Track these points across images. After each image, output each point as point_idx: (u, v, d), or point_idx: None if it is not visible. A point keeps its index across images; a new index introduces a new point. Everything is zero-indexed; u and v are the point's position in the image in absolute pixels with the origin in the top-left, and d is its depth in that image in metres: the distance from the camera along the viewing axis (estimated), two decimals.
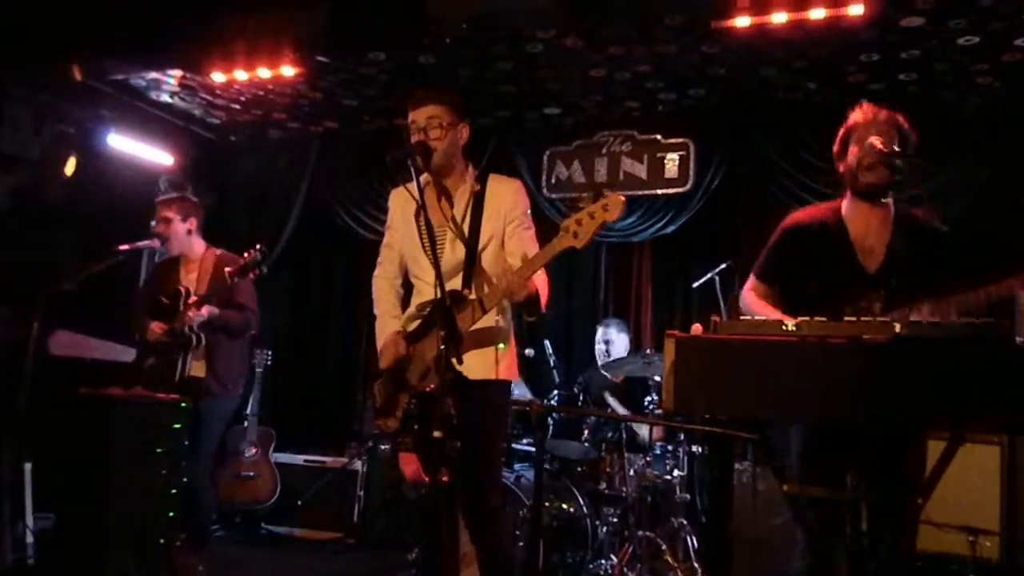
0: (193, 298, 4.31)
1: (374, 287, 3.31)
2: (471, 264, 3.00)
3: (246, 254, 4.27)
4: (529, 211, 3.14)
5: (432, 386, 2.65)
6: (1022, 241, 4.79)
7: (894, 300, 2.77)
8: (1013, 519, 4.09)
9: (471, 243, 3.02)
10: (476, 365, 2.82)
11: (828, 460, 2.79)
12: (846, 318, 2.23)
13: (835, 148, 3.00)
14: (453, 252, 3.02)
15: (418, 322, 3.09)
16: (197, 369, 4.37)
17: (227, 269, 4.28)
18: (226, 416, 4.59)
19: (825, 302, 2.83)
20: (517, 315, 3.23)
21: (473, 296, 2.88)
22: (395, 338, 3.07)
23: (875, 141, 2.80)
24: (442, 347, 2.48)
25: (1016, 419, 2.06)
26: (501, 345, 3.06)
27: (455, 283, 2.97)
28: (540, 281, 2.94)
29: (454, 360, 2.53)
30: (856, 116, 2.94)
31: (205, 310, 4.28)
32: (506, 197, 3.09)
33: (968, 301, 2.63)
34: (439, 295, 2.64)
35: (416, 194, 2.79)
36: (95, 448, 3.82)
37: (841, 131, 2.98)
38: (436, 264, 2.70)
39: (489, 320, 2.94)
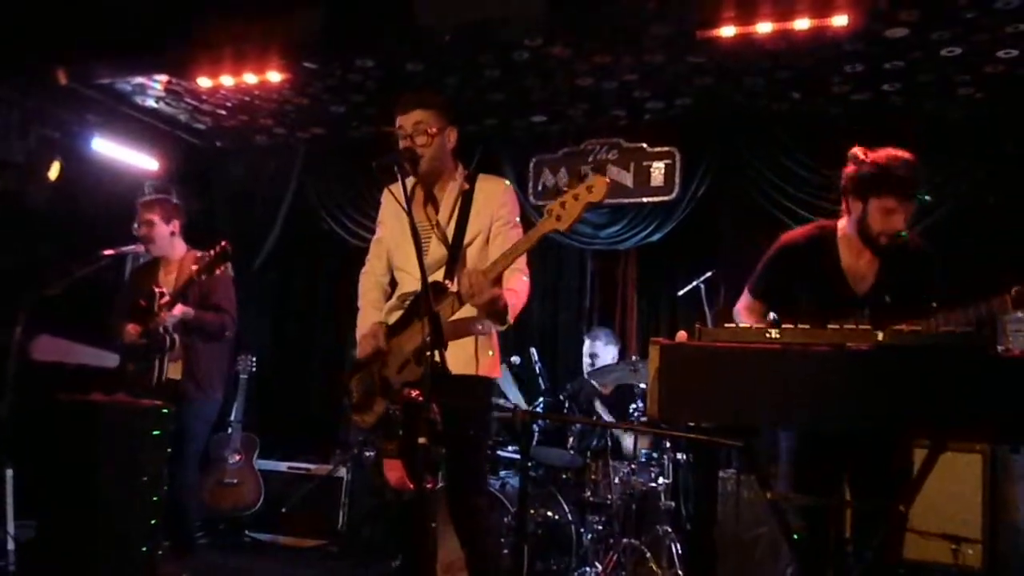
0: (165, 299, 4.24)
1: (360, 283, 3.32)
2: (454, 259, 3.01)
3: (210, 251, 4.22)
4: (518, 212, 3.15)
5: (414, 392, 2.63)
6: (1005, 252, 4.84)
7: (880, 322, 2.79)
8: (995, 527, 4.11)
9: (456, 238, 3.03)
10: (457, 358, 2.81)
11: (814, 467, 2.82)
12: (829, 326, 2.25)
13: (844, 181, 2.96)
14: (437, 249, 3.03)
15: (399, 313, 3.09)
16: (174, 371, 4.33)
17: (193, 267, 4.23)
18: (209, 420, 4.55)
19: (812, 322, 2.88)
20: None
21: (454, 289, 2.88)
22: (375, 329, 3.07)
23: (891, 208, 2.82)
24: (427, 339, 2.45)
25: (996, 428, 2.07)
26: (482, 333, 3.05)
27: (437, 276, 2.97)
28: (517, 279, 2.95)
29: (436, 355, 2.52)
30: (878, 166, 2.86)
31: (177, 310, 4.22)
32: (494, 196, 3.10)
33: (948, 321, 2.67)
34: (438, 279, 2.63)
35: (402, 198, 2.79)
36: (77, 454, 3.79)
37: (859, 170, 2.91)
38: (421, 265, 2.66)
39: (469, 311, 2.93)
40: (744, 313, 3.15)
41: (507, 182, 3.21)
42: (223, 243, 4.20)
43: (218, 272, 4.20)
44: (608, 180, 2.57)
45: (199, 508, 4.70)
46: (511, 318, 2.90)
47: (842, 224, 3.01)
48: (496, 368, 3.16)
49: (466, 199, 3.08)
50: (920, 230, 3.14)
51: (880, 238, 2.88)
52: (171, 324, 4.24)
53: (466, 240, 3.04)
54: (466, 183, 3.12)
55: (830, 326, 2.22)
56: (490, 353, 3.10)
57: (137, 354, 4.32)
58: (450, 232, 3.05)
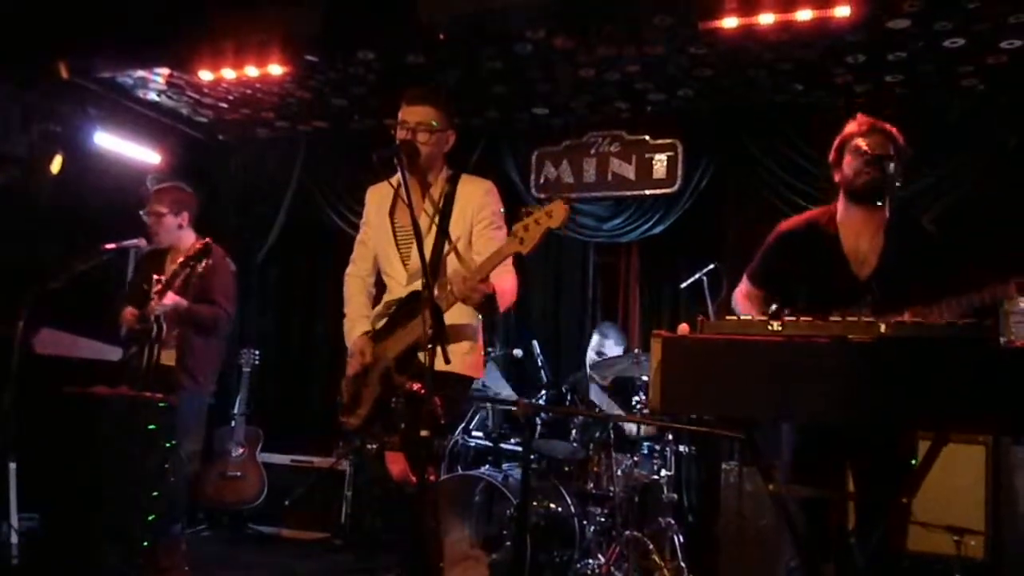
0: (158, 286, 4.18)
1: (346, 285, 3.34)
2: (435, 265, 3.01)
3: (190, 248, 4.20)
4: (500, 211, 3.15)
5: (415, 385, 2.66)
6: (1007, 242, 4.83)
7: (883, 307, 2.79)
8: (998, 519, 4.12)
9: (437, 245, 3.04)
10: (440, 360, 2.84)
11: (816, 459, 2.82)
12: (832, 318, 2.24)
13: (831, 156, 3.04)
14: (432, 238, 3.04)
15: (385, 320, 3.12)
16: (167, 358, 4.27)
17: (178, 259, 4.20)
18: (201, 411, 4.45)
19: (815, 309, 2.87)
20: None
21: (436, 292, 2.87)
22: (361, 344, 3.12)
23: (860, 143, 2.85)
24: (428, 331, 2.49)
25: (999, 419, 2.07)
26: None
27: (419, 285, 2.93)
28: (506, 279, 2.96)
29: (421, 355, 2.55)
30: (851, 126, 2.99)
31: (169, 299, 4.16)
32: (474, 198, 3.11)
33: (951, 308, 2.66)
34: (420, 288, 2.67)
35: (398, 189, 2.80)
36: (81, 447, 3.80)
37: (836, 140, 3.02)
38: (422, 255, 2.66)
39: (454, 318, 2.94)
40: (742, 299, 3.14)
41: (489, 183, 3.20)
42: (206, 240, 4.19)
43: (200, 268, 4.16)
44: (567, 207, 2.58)
45: (187, 501, 4.63)
46: (502, 309, 2.93)
47: (840, 207, 3.00)
48: (479, 369, 3.19)
49: (447, 202, 3.10)
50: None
51: (856, 179, 2.88)
52: (161, 312, 4.19)
53: (446, 247, 3.04)
54: (447, 184, 3.13)
55: (832, 318, 2.21)
56: (474, 353, 3.13)
57: (135, 339, 4.30)
58: (433, 234, 3.05)
